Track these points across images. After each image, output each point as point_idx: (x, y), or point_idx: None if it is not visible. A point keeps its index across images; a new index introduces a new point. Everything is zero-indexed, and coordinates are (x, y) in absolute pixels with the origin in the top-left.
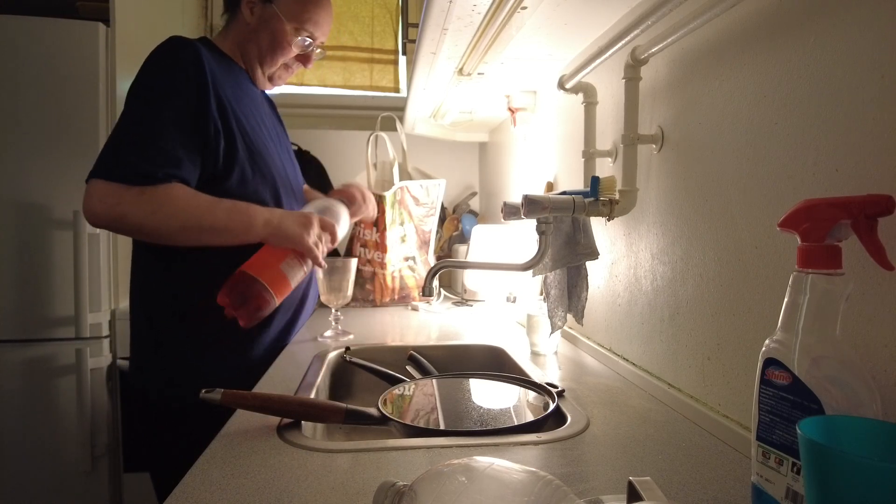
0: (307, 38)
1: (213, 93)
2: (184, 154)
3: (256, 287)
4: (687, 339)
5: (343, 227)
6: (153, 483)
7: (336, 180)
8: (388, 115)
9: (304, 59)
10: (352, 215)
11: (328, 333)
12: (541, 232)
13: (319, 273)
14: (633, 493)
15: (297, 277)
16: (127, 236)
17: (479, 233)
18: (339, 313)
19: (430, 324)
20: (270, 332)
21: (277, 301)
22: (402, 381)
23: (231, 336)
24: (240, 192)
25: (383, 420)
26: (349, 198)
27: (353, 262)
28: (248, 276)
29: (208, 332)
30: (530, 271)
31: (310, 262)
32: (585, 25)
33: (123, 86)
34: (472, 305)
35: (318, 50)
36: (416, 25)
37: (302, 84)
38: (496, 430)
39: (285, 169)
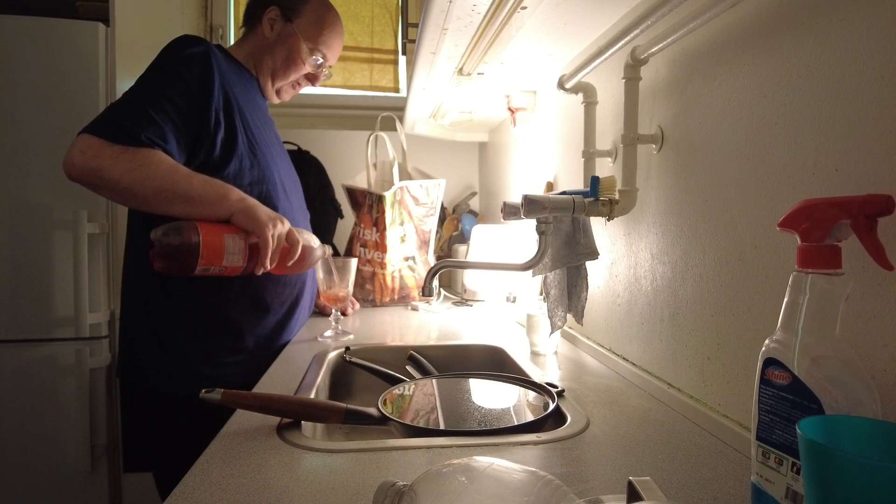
0: (319, 59)
1: (219, 87)
2: (171, 131)
3: (194, 240)
4: (687, 339)
5: (308, 260)
6: (156, 482)
7: (336, 180)
8: (387, 115)
9: (313, 78)
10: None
11: (328, 333)
12: (541, 232)
13: (320, 272)
14: (633, 493)
15: (232, 259)
16: (102, 195)
17: (478, 233)
18: (339, 313)
19: (430, 324)
20: (266, 324)
21: (200, 262)
22: (402, 381)
23: (225, 330)
24: (235, 184)
25: (383, 420)
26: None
27: (353, 261)
28: (194, 228)
29: (202, 324)
30: (530, 271)
31: (255, 260)
32: (585, 25)
33: (123, 86)
34: (471, 305)
35: (326, 71)
36: (415, 25)
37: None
38: (496, 430)
39: (290, 182)
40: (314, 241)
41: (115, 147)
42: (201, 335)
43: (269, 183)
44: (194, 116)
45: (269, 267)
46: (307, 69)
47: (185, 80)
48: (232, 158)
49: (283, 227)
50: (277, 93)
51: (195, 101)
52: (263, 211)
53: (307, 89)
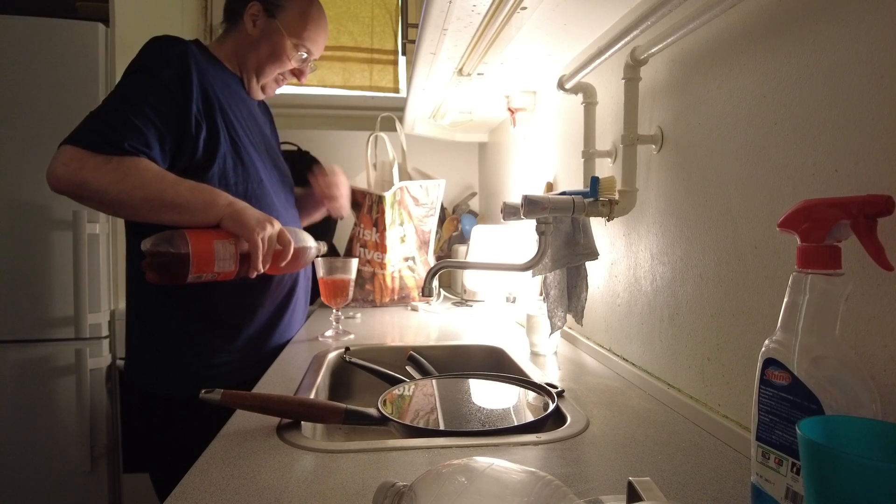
0: (304, 53)
1: (199, 86)
2: (154, 136)
3: (183, 250)
4: (687, 339)
5: (302, 259)
6: (153, 483)
7: None
8: (387, 115)
9: (298, 73)
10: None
11: (328, 333)
12: (540, 232)
13: (321, 272)
14: (632, 493)
15: (224, 265)
16: (88, 206)
17: (478, 233)
18: (339, 313)
19: (430, 324)
20: (257, 323)
21: (192, 270)
22: (402, 381)
23: (217, 329)
24: (221, 183)
25: (383, 420)
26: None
27: (354, 262)
28: (183, 237)
29: (194, 324)
30: (530, 271)
31: (247, 263)
32: (585, 25)
33: None
34: (471, 306)
35: (311, 65)
36: (415, 26)
37: (302, 84)
38: (496, 431)
39: (278, 179)
40: (308, 241)
41: (98, 157)
42: (194, 335)
43: (254, 181)
44: (176, 119)
45: (261, 270)
46: (293, 64)
47: (165, 82)
48: (216, 158)
49: (273, 228)
50: (262, 89)
51: (176, 102)
52: (251, 215)
53: (306, 90)
